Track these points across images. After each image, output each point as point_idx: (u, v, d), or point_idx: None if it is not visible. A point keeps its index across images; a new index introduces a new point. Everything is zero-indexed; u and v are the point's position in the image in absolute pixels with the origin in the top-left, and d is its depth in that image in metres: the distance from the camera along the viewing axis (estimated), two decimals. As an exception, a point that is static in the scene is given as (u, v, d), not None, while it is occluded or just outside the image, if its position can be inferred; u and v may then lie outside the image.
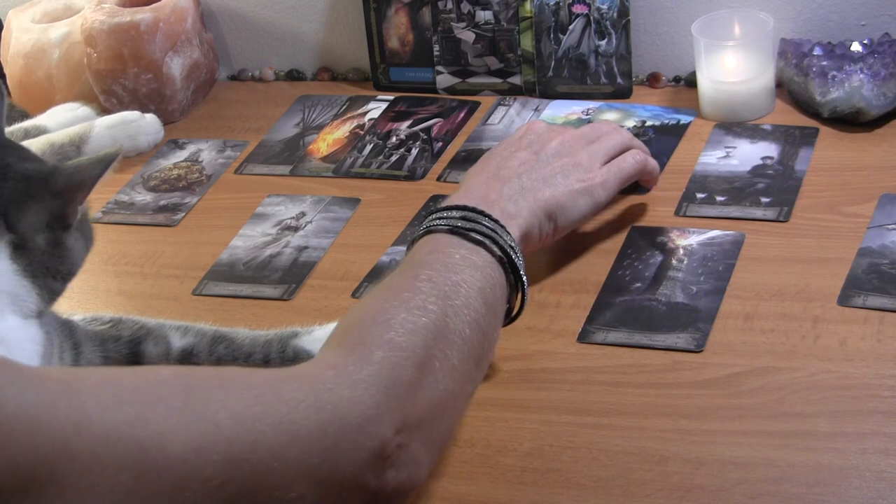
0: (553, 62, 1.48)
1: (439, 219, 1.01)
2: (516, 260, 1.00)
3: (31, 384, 0.74)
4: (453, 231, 0.99)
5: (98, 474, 0.73)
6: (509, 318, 1.03)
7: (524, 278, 1.01)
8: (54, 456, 0.72)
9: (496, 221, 1.01)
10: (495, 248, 0.99)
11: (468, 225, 1.00)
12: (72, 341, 1.05)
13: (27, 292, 0.99)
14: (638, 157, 1.20)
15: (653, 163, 1.23)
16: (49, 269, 1.01)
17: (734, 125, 1.37)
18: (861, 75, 1.32)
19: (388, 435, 0.82)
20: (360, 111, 1.52)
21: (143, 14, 1.52)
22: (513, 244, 1.01)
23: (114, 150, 1.01)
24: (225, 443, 0.76)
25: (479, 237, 0.99)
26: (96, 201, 1.40)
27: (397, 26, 1.53)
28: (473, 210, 1.02)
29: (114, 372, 0.81)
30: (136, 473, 0.74)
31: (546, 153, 1.14)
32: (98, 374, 0.81)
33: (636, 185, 1.25)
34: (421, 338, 0.88)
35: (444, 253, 0.97)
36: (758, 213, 1.23)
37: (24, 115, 1.55)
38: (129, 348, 1.08)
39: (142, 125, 1.49)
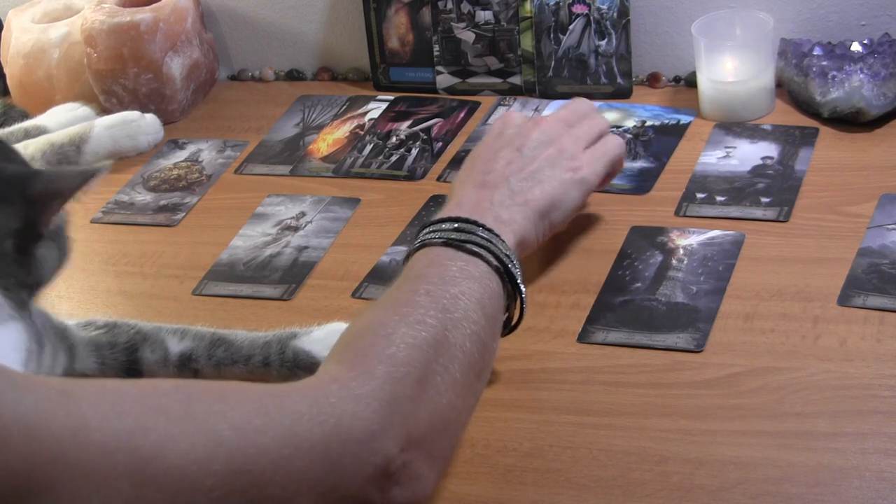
0: (553, 62, 1.48)
1: (433, 232, 1.00)
2: (513, 268, 0.99)
3: (29, 391, 0.73)
4: (448, 243, 0.98)
5: (97, 483, 0.73)
6: (508, 327, 1.02)
7: (522, 287, 1.00)
8: (51, 463, 0.72)
9: (490, 231, 1.00)
10: (491, 258, 0.98)
11: (463, 236, 0.99)
12: (66, 346, 1.04)
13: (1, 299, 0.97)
14: (619, 140, 1.20)
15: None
16: (16, 278, 0.98)
17: (734, 125, 1.37)
18: (861, 75, 1.32)
19: (392, 451, 0.82)
20: (360, 111, 1.52)
21: (143, 14, 1.52)
22: (508, 252, 1.00)
23: (99, 165, 0.97)
24: (226, 454, 0.76)
25: (474, 248, 0.98)
26: (96, 201, 1.40)
27: (397, 26, 1.53)
28: (467, 221, 1.00)
29: (114, 382, 0.81)
30: (136, 483, 0.73)
31: (529, 146, 1.12)
32: (98, 384, 0.81)
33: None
34: (422, 352, 0.87)
35: (442, 265, 0.96)
36: (758, 213, 1.23)
37: (24, 115, 1.55)
38: (126, 355, 1.07)
39: (142, 125, 1.49)
